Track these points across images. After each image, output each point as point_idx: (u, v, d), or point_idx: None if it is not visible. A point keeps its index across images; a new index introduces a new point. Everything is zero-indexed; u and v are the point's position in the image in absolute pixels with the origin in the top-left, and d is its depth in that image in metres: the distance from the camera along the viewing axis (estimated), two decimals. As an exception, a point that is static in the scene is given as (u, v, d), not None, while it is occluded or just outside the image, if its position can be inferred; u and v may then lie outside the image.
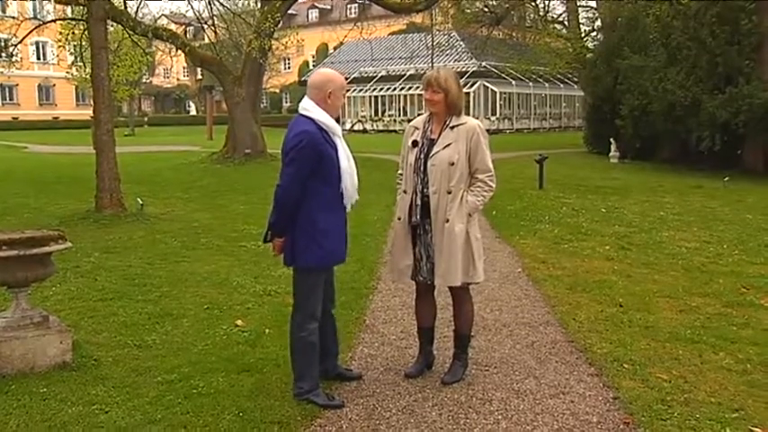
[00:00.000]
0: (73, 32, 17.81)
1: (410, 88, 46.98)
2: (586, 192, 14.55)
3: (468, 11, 31.98)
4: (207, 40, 24.72)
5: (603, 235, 9.74)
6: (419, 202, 4.42)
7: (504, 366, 4.80)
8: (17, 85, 53.41)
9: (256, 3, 23.04)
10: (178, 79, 75.22)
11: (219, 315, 5.87)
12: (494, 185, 4.47)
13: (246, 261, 8.00)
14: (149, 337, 5.24)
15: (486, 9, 31.46)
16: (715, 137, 18.19)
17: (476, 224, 4.48)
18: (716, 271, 7.63)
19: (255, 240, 8.52)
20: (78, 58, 32.40)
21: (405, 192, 4.51)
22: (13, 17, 16.99)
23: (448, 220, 4.33)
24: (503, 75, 42.91)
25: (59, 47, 20.68)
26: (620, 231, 10.02)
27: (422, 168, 4.41)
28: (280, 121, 58.09)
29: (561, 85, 46.87)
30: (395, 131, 41.79)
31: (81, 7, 19.58)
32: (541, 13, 33.91)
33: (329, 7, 69.44)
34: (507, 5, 30.07)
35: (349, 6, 62.18)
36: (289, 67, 70.18)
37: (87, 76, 34.32)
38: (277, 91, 67.84)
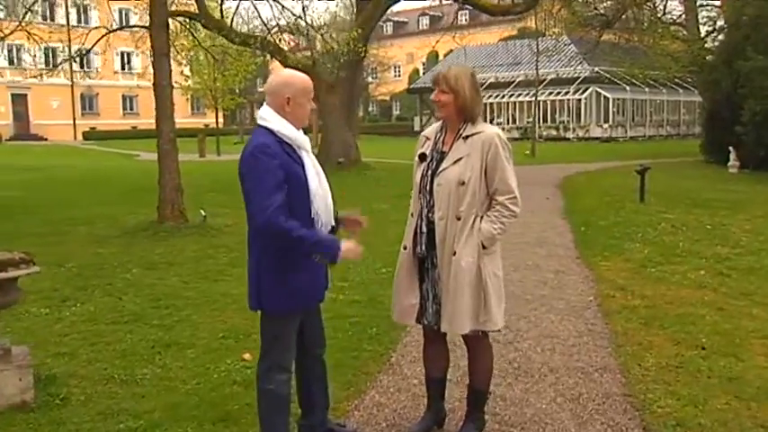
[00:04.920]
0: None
1: (519, 95, 45.79)
2: (693, 206, 13.18)
3: (579, 10, 30.55)
4: (308, 52, 24.75)
5: (701, 257, 8.56)
6: (424, 229, 3.66)
7: (533, 427, 3.95)
8: (137, 96, 55.54)
9: (352, 13, 22.76)
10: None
11: (232, 346, 5.30)
12: (517, 210, 3.61)
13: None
14: (141, 371, 4.72)
15: (596, 11, 29.98)
16: None
17: (495, 258, 3.66)
18: (832, 307, 6.41)
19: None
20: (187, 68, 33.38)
21: (411, 215, 3.78)
22: (85, 26, 17.30)
23: (455, 253, 3.55)
24: (616, 80, 40.90)
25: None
26: (721, 253, 8.80)
27: (427, 188, 3.66)
28: (388, 129, 58.32)
29: (680, 91, 44.29)
30: (503, 139, 40.55)
31: (185, 18, 20.00)
32: (659, 14, 32.01)
33: (440, 14, 68.82)
34: (618, 6, 28.49)
35: (460, 13, 61.32)
36: (399, 75, 70.13)
37: (191, 84, 35.10)
38: (387, 99, 67.96)
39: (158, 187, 10.42)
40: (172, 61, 30.54)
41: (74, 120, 54.34)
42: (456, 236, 3.56)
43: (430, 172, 3.67)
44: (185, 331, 5.63)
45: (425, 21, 71.16)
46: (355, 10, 21.91)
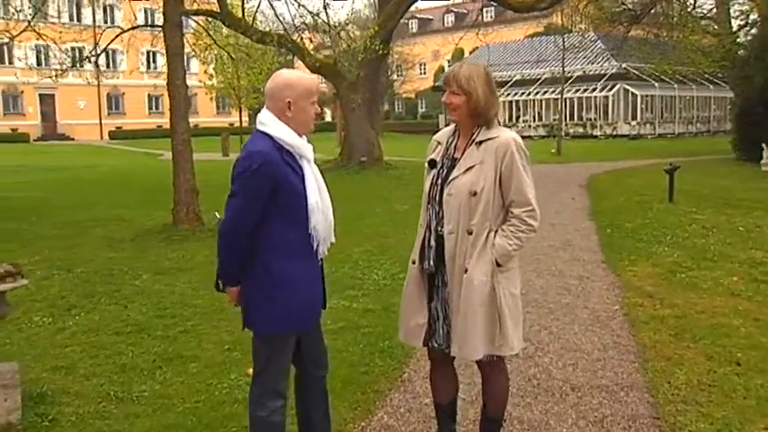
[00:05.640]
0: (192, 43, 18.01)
1: (545, 92, 45.23)
2: (725, 206, 12.72)
3: (606, 6, 29.97)
4: (329, 51, 24.55)
5: (734, 261, 8.18)
6: (433, 243, 3.37)
7: (553, 456, 3.67)
8: (162, 95, 55.77)
9: (374, 10, 22.54)
10: (317, 86, 76.59)
11: (238, 359, 5.04)
12: (535, 224, 3.28)
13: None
14: (140, 387, 4.49)
15: (624, 6, 29.41)
16: None
17: (512, 275, 3.34)
18: None
19: (331, 264, 7.69)
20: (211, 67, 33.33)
21: (420, 226, 3.49)
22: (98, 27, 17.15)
23: (467, 270, 3.26)
24: (644, 76, 40.19)
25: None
26: (756, 257, 8.40)
27: (437, 198, 3.36)
28: (413, 127, 57.93)
29: (711, 86, 43.44)
30: (529, 137, 40.13)
31: (206, 16, 19.86)
32: (689, 9, 31.29)
33: (466, 11, 68.29)
34: (647, 1, 27.91)
35: (485, 10, 60.75)
36: (424, 72, 69.75)
37: (215, 83, 35.06)
38: (412, 96, 67.63)
39: (173, 189, 10.21)
40: (196, 61, 30.51)
41: (100, 119, 54.74)
42: (467, 252, 3.26)
43: (440, 180, 3.37)
44: (190, 343, 5.40)
45: (450, 18, 70.68)
46: (378, 7, 21.62)
